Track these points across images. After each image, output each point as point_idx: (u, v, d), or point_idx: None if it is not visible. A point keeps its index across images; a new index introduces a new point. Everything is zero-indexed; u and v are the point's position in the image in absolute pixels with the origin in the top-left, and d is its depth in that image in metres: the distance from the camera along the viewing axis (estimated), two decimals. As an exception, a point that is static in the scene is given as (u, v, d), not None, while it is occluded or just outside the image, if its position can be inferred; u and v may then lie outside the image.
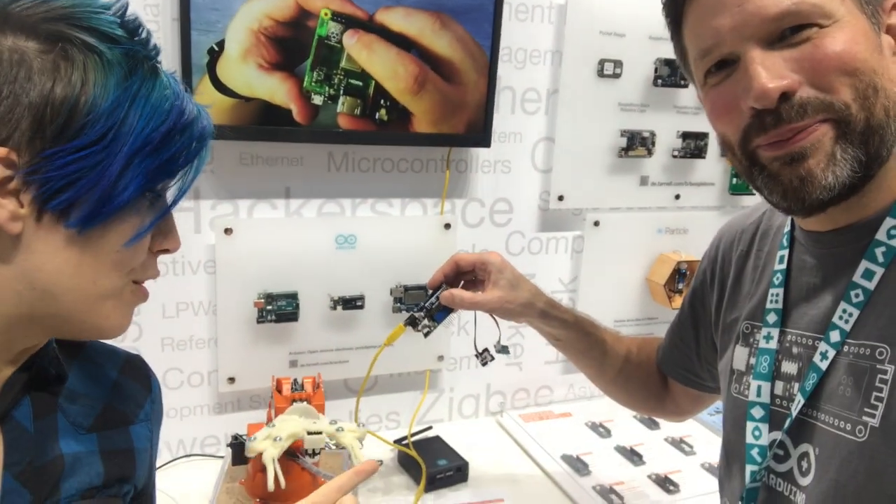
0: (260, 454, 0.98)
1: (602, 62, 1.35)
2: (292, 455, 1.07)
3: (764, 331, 0.74)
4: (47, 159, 0.48)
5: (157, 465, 1.17)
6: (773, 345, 0.72)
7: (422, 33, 1.16)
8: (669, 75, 1.40)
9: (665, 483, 1.19)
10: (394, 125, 1.18)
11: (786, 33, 0.60)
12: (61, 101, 0.48)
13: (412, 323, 1.01)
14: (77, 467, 0.57)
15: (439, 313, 1.00)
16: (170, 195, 0.58)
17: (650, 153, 1.43)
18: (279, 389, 1.08)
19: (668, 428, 1.39)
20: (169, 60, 1.08)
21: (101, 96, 0.49)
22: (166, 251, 0.59)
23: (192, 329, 1.20)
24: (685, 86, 1.42)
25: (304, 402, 1.01)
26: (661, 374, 1.01)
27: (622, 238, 1.46)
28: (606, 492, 1.16)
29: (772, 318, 0.73)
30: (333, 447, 1.01)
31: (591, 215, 1.43)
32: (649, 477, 1.22)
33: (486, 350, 1.04)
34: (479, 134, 1.26)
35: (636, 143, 1.41)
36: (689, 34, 0.67)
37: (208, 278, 1.19)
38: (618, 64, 1.36)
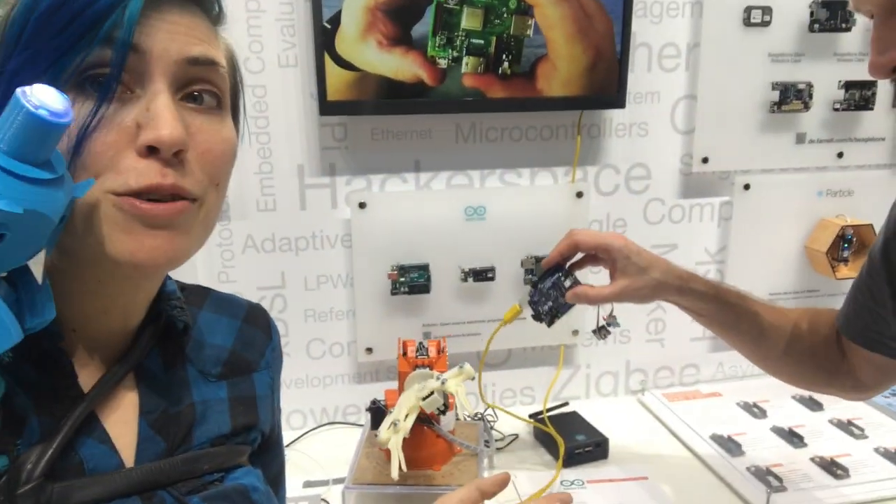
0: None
1: (748, 10, 1.23)
2: (427, 422, 1.07)
3: None
4: None
5: (303, 431, 1.25)
6: None
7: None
8: (828, 19, 1.25)
9: (832, 467, 1.08)
10: (518, 79, 1.15)
11: None
12: None
13: (536, 317, 0.99)
14: (207, 415, 0.57)
15: (563, 307, 0.98)
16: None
17: (807, 107, 1.29)
18: (404, 352, 1.07)
19: (833, 410, 1.26)
20: (303, 41, 1.12)
21: None
22: (152, 148, 0.44)
23: (332, 301, 1.24)
24: (847, 29, 1.27)
25: (427, 368, 0.98)
26: (838, 345, 0.89)
27: (776, 202, 1.33)
28: (763, 473, 1.06)
29: None
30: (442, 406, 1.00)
31: (741, 178, 1.32)
32: (812, 460, 1.10)
33: (602, 327, 1.01)
34: (613, 95, 1.20)
35: (790, 97, 1.28)
36: None
37: (345, 252, 1.22)
38: (766, 10, 1.24)
